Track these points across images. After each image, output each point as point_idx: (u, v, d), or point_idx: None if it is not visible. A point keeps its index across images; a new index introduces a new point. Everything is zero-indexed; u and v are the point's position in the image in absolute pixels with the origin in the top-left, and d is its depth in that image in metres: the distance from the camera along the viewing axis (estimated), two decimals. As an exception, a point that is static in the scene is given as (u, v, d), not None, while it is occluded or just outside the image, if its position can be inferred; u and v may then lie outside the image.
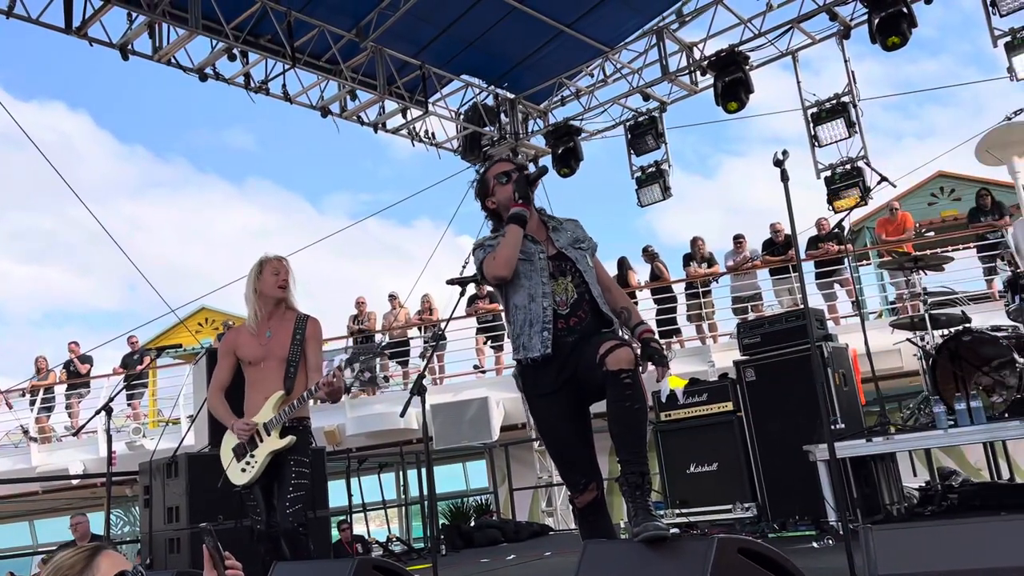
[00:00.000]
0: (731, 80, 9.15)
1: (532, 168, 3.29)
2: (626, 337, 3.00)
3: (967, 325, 5.56)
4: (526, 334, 2.94)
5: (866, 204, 8.52)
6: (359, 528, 8.09)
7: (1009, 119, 7.78)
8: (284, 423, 3.80)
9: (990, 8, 8.02)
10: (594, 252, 3.15)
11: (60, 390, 12.27)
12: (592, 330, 2.94)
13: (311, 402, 3.93)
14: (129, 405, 12.05)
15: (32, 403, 12.01)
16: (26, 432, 11.59)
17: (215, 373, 4.03)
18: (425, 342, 11.66)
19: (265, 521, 3.77)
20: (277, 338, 3.93)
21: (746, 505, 5.74)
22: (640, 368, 2.78)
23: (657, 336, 2.97)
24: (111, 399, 5.10)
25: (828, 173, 9.08)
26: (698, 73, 9.99)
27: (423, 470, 8.23)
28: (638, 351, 2.86)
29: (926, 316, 5.54)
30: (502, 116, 10.83)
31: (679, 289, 11.14)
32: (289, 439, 3.78)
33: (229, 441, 3.93)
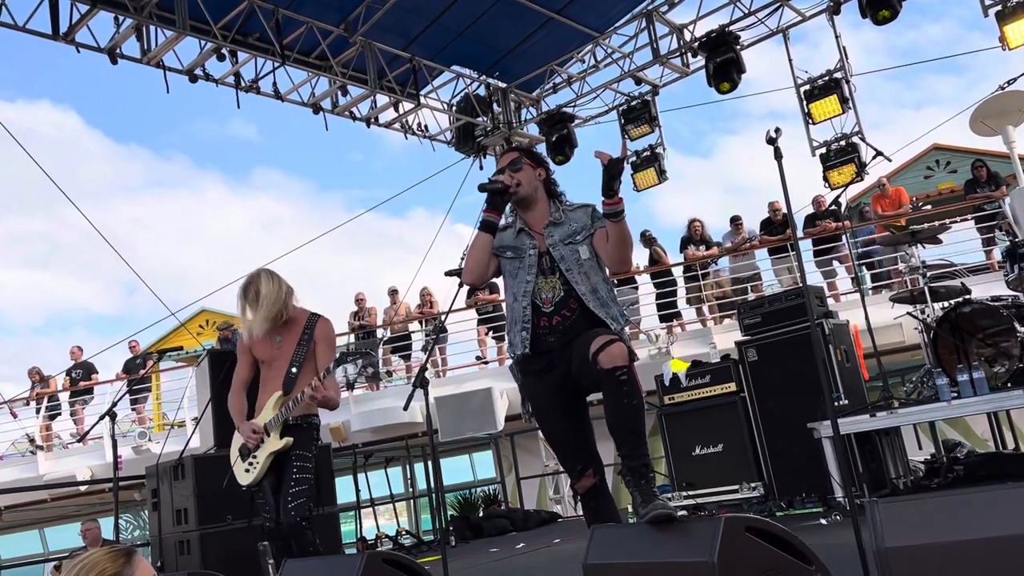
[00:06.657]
0: (723, 61, 9.13)
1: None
2: (617, 325, 2.92)
3: (967, 296, 5.55)
4: (511, 332, 3.00)
5: (862, 179, 8.51)
6: (368, 523, 8.11)
7: (1003, 88, 7.74)
8: (287, 421, 3.83)
9: (981, -23, 8.00)
10: (597, 235, 2.96)
11: (64, 397, 12.28)
12: (579, 329, 2.90)
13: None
14: (133, 409, 12.07)
15: (37, 411, 12.02)
16: (32, 440, 11.60)
17: (236, 371, 4.08)
18: (426, 335, 11.65)
19: (274, 519, 3.80)
20: (287, 341, 3.98)
21: (752, 485, 5.76)
22: (634, 359, 2.77)
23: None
24: (115, 404, 5.11)
25: (823, 150, 9.07)
26: (689, 55, 9.96)
27: (430, 463, 8.25)
28: (630, 344, 2.85)
29: (925, 289, 5.52)
30: (494, 106, 10.80)
31: (678, 272, 11.12)
32: (286, 441, 3.81)
33: (237, 441, 3.99)
